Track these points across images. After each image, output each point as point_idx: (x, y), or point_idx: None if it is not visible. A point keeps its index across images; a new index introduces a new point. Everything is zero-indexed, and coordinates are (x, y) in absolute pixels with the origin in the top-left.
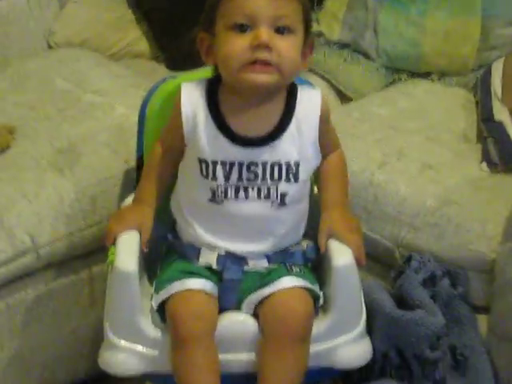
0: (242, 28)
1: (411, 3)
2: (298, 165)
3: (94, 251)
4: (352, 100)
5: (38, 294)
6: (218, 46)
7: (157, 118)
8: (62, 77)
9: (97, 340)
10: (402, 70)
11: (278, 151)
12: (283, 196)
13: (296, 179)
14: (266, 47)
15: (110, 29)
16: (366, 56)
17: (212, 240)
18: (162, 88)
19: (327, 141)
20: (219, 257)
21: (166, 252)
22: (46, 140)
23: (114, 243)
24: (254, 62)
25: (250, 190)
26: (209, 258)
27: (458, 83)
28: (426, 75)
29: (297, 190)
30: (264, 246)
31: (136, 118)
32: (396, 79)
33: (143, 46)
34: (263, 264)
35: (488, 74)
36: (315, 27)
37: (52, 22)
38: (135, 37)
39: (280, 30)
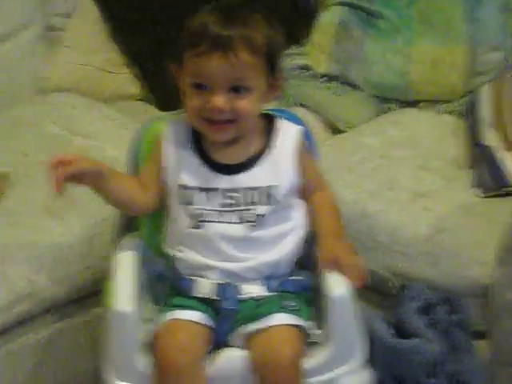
0: (200, 87)
1: (397, 33)
2: (276, 187)
3: (93, 294)
4: (343, 131)
5: (39, 338)
6: (183, 96)
7: (146, 159)
8: (53, 122)
9: (99, 382)
10: (391, 99)
11: (255, 177)
12: (261, 217)
13: (275, 202)
14: (221, 111)
15: (100, 72)
16: (355, 87)
17: (206, 262)
18: (150, 128)
19: (309, 178)
20: (216, 287)
21: (168, 291)
22: (39, 185)
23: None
24: (211, 121)
25: (228, 214)
26: (205, 289)
27: (446, 110)
28: (415, 103)
29: (275, 211)
30: (254, 263)
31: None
32: (385, 109)
33: (133, 87)
34: (260, 291)
35: (476, 99)
36: (303, 60)
37: (42, 68)
38: (125, 79)
39: (236, 90)
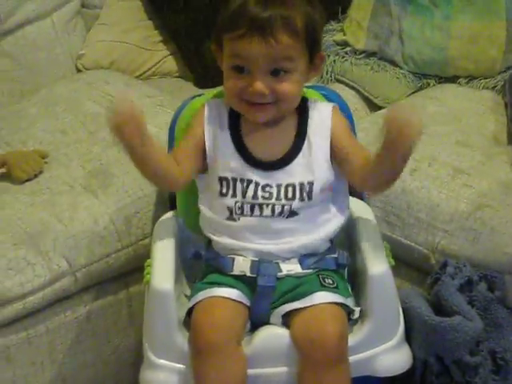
0: (239, 69)
1: (435, 8)
2: (311, 184)
3: (131, 272)
4: (381, 108)
5: (77, 316)
6: (223, 77)
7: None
8: (91, 100)
9: (137, 360)
10: (430, 75)
11: (291, 173)
12: (296, 212)
13: (310, 198)
14: (262, 94)
15: (137, 49)
16: (393, 63)
17: (242, 245)
18: (189, 106)
19: (352, 144)
20: (253, 264)
21: (204, 269)
22: (78, 163)
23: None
24: (251, 103)
25: (264, 207)
26: (242, 267)
27: (485, 86)
28: (453, 79)
29: (311, 206)
30: (290, 245)
31: (166, 137)
32: (424, 85)
33: (171, 65)
34: (296, 269)
35: None
36: (340, 37)
37: (79, 45)
38: (162, 56)
39: (276, 73)
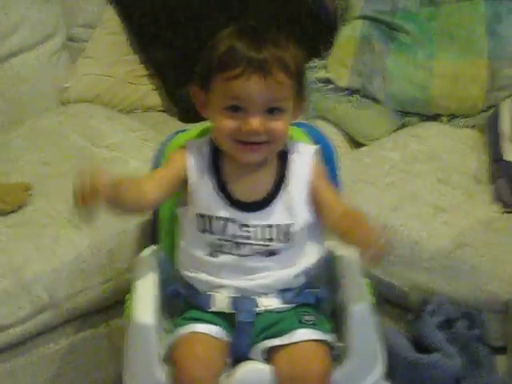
0: (234, 109)
1: (418, 46)
2: (290, 225)
3: (112, 305)
4: (363, 145)
5: (59, 348)
6: (212, 119)
7: None
8: (75, 133)
9: None
10: (412, 113)
11: (270, 215)
12: (276, 252)
13: (287, 240)
14: (257, 133)
15: (122, 83)
16: (376, 101)
17: (221, 282)
18: (173, 141)
19: (328, 197)
20: (231, 300)
21: (183, 305)
22: (61, 196)
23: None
24: (245, 143)
25: (242, 246)
26: (221, 303)
27: (467, 124)
28: (435, 117)
29: (292, 245)
30: (268, 280)
31: (149, 171)
32: (406, 122)
33: (155, 99)
34: (275, 304)
35: (496, 114)
36: (323, 74)
37: (64, 78)
38: (147, 90)
39: (271, 111)
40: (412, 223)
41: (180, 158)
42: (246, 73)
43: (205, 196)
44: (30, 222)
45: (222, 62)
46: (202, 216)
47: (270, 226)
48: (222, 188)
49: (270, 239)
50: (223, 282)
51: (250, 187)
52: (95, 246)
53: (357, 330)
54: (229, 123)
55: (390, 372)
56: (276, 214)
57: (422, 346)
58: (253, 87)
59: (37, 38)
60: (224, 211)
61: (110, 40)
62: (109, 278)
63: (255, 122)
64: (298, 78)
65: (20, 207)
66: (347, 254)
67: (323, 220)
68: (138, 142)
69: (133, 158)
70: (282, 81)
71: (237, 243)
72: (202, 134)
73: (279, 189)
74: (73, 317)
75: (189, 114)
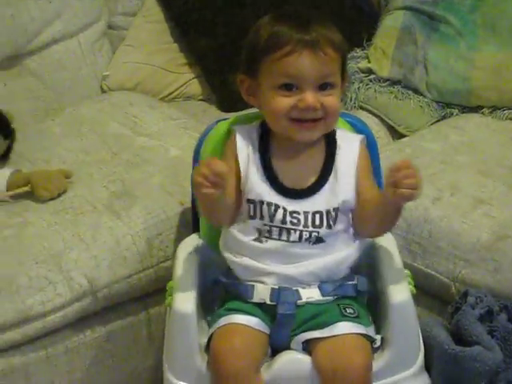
0: (288, 87)
1: (460, 38)
2: (337, 210)
3: (152, 293)
4: (404, 136)
5: (97, 336)
6: (263, 101)
7: None
8: (115, 121)
9: (156, 381)
10: (453, 104)
11: (318, 202)
12: (322, 238)
13: (335, 223)
14: (314, 108)
15: (162, 72)
16: (417, 91)
17: (264, 268)
18: (214, 130)
19: (369, 184)
20: (272, 291)
21: (224, 295)
22: (101, 184)
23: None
24: (302, 120)
25: (292, 232)
26: (262, 294)
27: (508, 116)
28: (476, 109)
29: (337, 230)
30: (313, 267)
31: (190, 160)
32: (447, 114)
33: (195, 87)
34: (316, 296)
35: None
36: (365, 64)
37: (104, 66)
38: (187, 79)
39: (324, 87)
40: (452, 215)
41: (231, 154)
42: (297, 50)
43: (254, 182)
44: (70, 209)
45: (269, 45)
46: (251, 202)
47: (319, 213)
48: (271, 174)
49: (319, 225)
50: (267, 268)
51: (298, 173)
52: (135, 233)
53: (398, 322)
54: (284, 101)
55: (429, 363)
56: (323, 200)
57: (462, 339)
58: (305, 63)
59: (79, 26)
60: (273, 197)
61: (150, 28)
62: (149, 265)
63: (311, 98)
64: (343, 53)
65: (60, 194)
66: (387, 244)
67: (359, 209)
68: (178, 131)
69: (173, 146)
70: (333, 56)
71: (286, 229)
72: (243, 121)
73: (328, 174)
74: (111, 304)
75: (229, 103)
